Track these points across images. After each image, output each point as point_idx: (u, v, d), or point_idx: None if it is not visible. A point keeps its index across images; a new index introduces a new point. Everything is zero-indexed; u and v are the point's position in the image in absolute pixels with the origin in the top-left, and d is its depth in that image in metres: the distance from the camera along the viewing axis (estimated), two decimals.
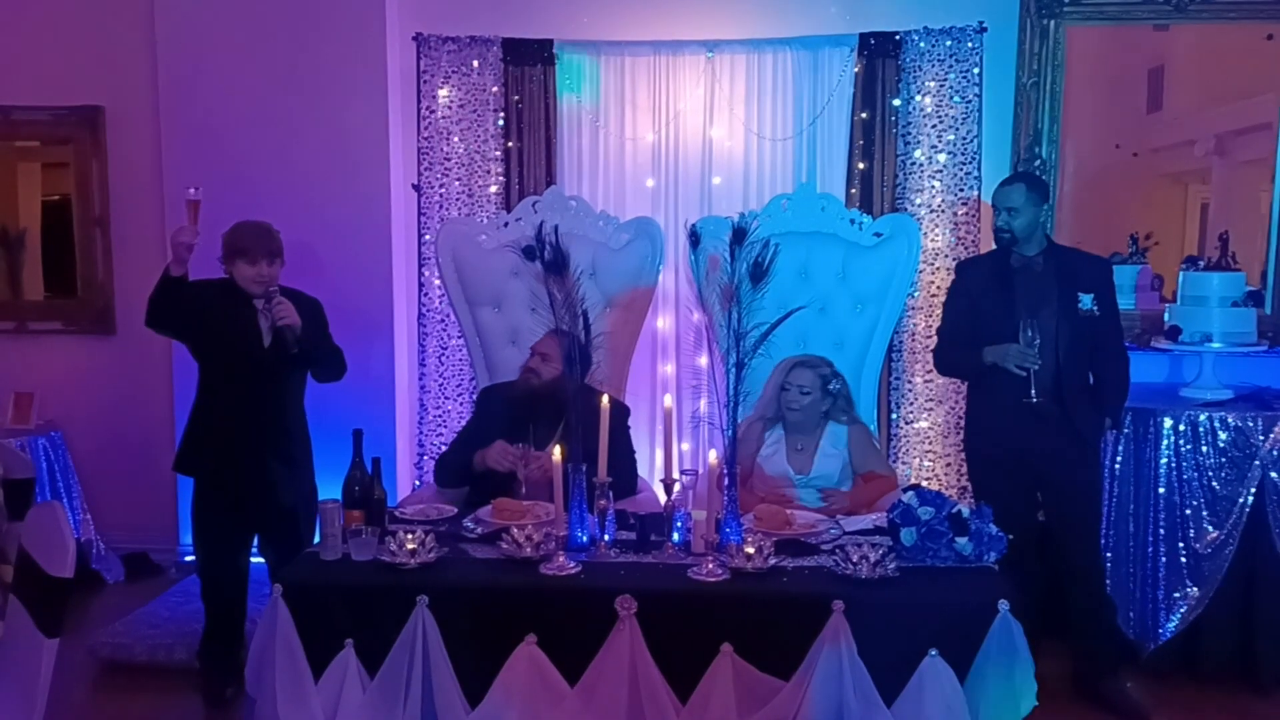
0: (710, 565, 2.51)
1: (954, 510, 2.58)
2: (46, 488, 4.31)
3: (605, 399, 2.73)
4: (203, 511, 3.39)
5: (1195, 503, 3.49)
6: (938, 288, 4.20)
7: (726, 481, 2.67)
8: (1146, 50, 4.43)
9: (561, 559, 2.55)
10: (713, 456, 2.62)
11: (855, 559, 2.48)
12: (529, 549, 2.59)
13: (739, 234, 2.63)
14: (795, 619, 2.37)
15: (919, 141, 4.19)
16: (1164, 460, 3.53)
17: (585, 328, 2.87)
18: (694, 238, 2.97)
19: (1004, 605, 2.32)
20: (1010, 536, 2.60)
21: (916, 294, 4.20)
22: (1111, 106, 4.49)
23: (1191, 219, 4.50)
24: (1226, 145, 4.39)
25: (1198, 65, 4.45)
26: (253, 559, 3.51)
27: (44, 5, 4.56)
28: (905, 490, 2.70)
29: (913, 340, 4.26)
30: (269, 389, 3.32)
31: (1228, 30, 4.25)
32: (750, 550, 2.53)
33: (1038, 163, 4.20)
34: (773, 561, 2.53)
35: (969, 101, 4.13)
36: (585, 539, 2.68)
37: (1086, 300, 3.26)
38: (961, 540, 2.55)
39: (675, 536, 2.65)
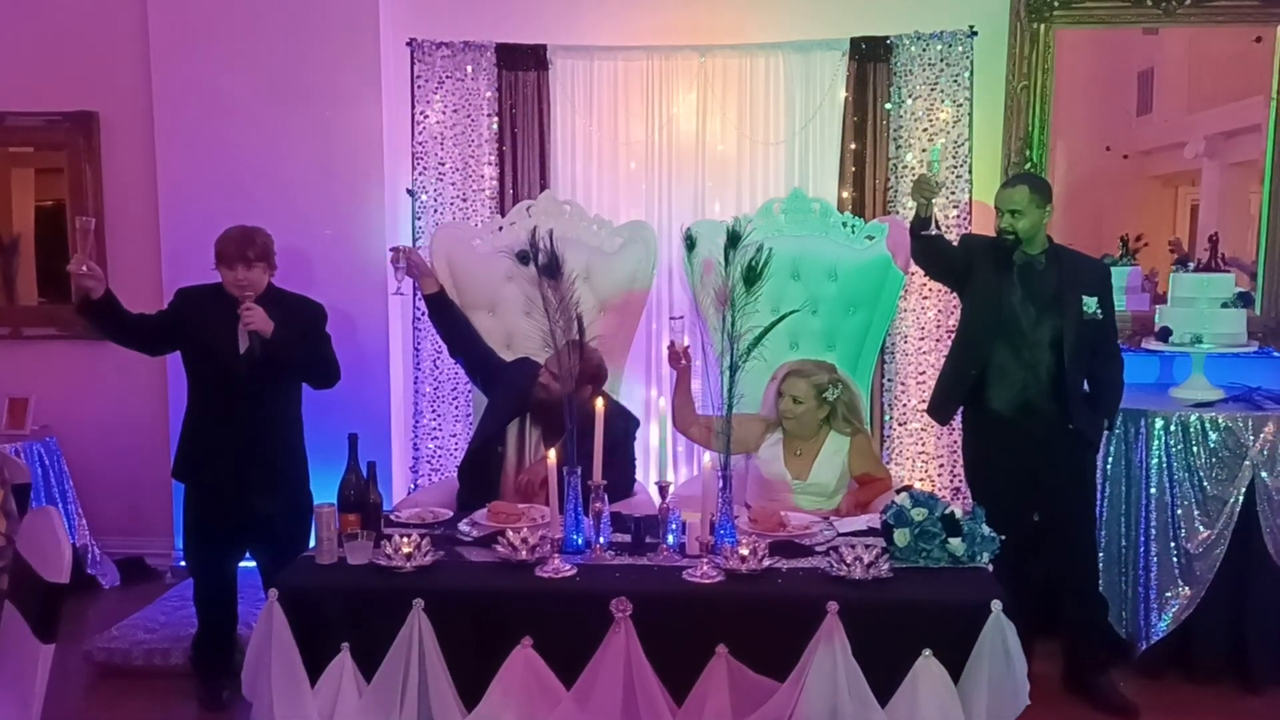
0: (705, 567, 2.52)
1: (947, 511, 2.60)
2: (42, 493, 4.31)
3: (599, 402, 2.74)
4: (192, 517, 3.40)
5: (1186, 503, 3.52)
6: (929, 289, 4.22)
7: (721, 484, 2.69)
8: (1136, 53, 4.46)
9: (557, 562, 2.56)
10: (707, 459, 2.63)
11: (849, 560, 2.50)
12: (524, 552, 2.60)
13: (733, 238, 2.65)
14: (790, 620, 2.38)
15: (910, 145, 4.21)
16: (1155, 460, 3.55)
17: (580, 332, 2.88)
18: (689, 242, 2.99)
19: (997, 605, 2.33)
20: (1003, 537, 2.61)
21: (909, 297, 4.22)
22: (1101, 109, 4.52)
23: (1182, 221, 4.53)
24: (1216, 147, 4.42)
25: (1187, 68, 4.48)
26: (247, 562, 3.52)
27: (38, 11, 4.57)
28: (898, 492, 2.72)
29: (905, 343, 4.28)
30: (252, 394, 3.31)
31: (1216, 33, 4.29)
32: (745, 552, 2.55)
33: (1028, 165, 4.23)
34: (767, 563, 2.54)
35: (959, 105, 4.15)
36: (580, 542, 2.69)
37: (1091, 304, 3.28)
38: (954, 541, 2.56)
39: (670, 538, 2.66)
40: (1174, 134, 4.48)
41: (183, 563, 4.38)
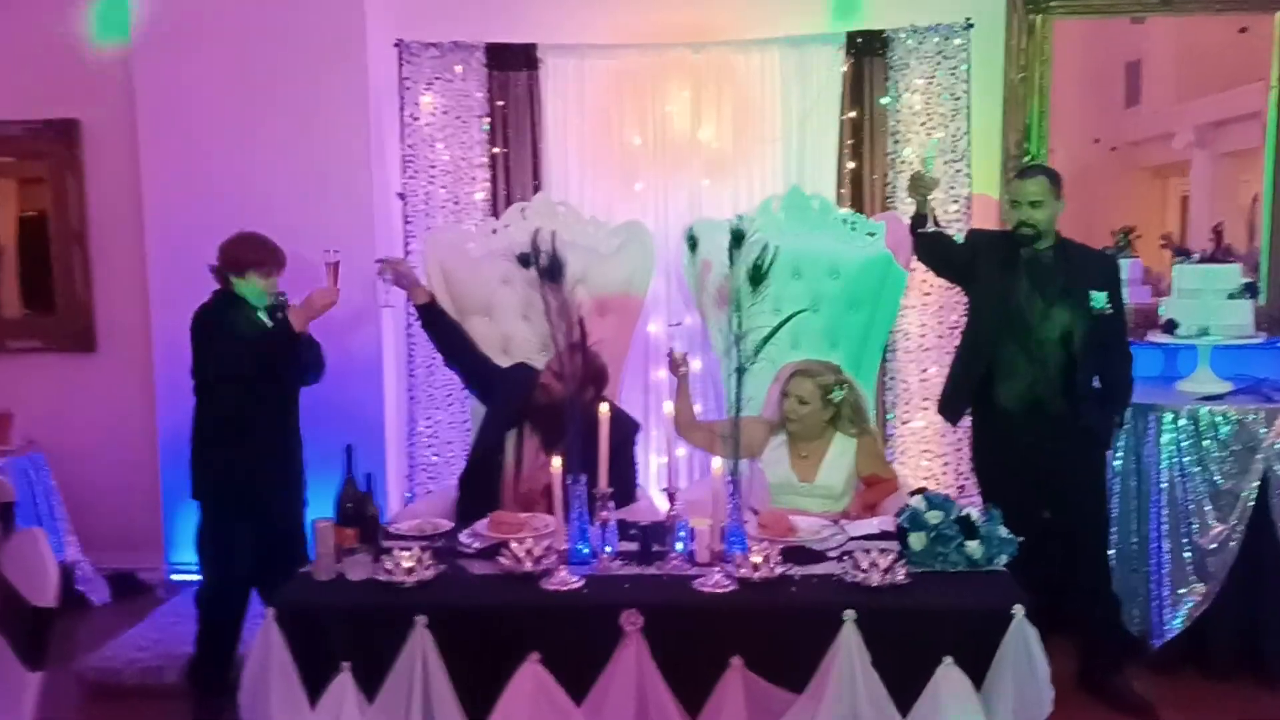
0: (717, 576, 2.45)
1: (963, 513, 2.54)
2: (29, 510, 4.21)
3: (605, 407, 2.67)
4: (216, 533, 3.32)
5: (1198, 498, 3.47)
6: (931, 286, 4.17)
7: (730, 489, 2.62)
8: (1123, 44, 4.43)
9: (563, 573, 2.49)
10: (716, 464, 2.56)
11: (865, 566, 2.44)
12: (529, 563, 2.53)
13: (737, 237, 2.58)
14: (806, 629, 2.32)
15: (909, 140, 4.15)
16: (1165, 455, 3.50)
17: (582, 335, 2.81)
18: (691, 241, 2.94)
19: (1019, 610, 2.28)
20: (1021, 539, 2.55)
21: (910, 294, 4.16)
22: (1089, 101, 4.49)
23: (1172, 212, 4.50)
24: (1205, 138, 4.39)
25: (1174, 59, 4.45)
26: None
27: (18, 18, 4.47)
28: (912, 494, 2.66)
29: (907, 340, 4.22)
30: (284, 398, 3.32)
31: (1203, 23, 4.25)
32: (757, 559, 2.47)
33: (1027, 158, 4.18)
34: (780, 570, 2.47)
35: (957, 99, 4.10)
36: (587, 552, 2.61)
37: (1100, 299, 3.21)
38: (972, 544, 2.50)
39: (679, 546, 2.59)
40: (1163, 125, 4.45)
41: (175, 576, 4.33)
